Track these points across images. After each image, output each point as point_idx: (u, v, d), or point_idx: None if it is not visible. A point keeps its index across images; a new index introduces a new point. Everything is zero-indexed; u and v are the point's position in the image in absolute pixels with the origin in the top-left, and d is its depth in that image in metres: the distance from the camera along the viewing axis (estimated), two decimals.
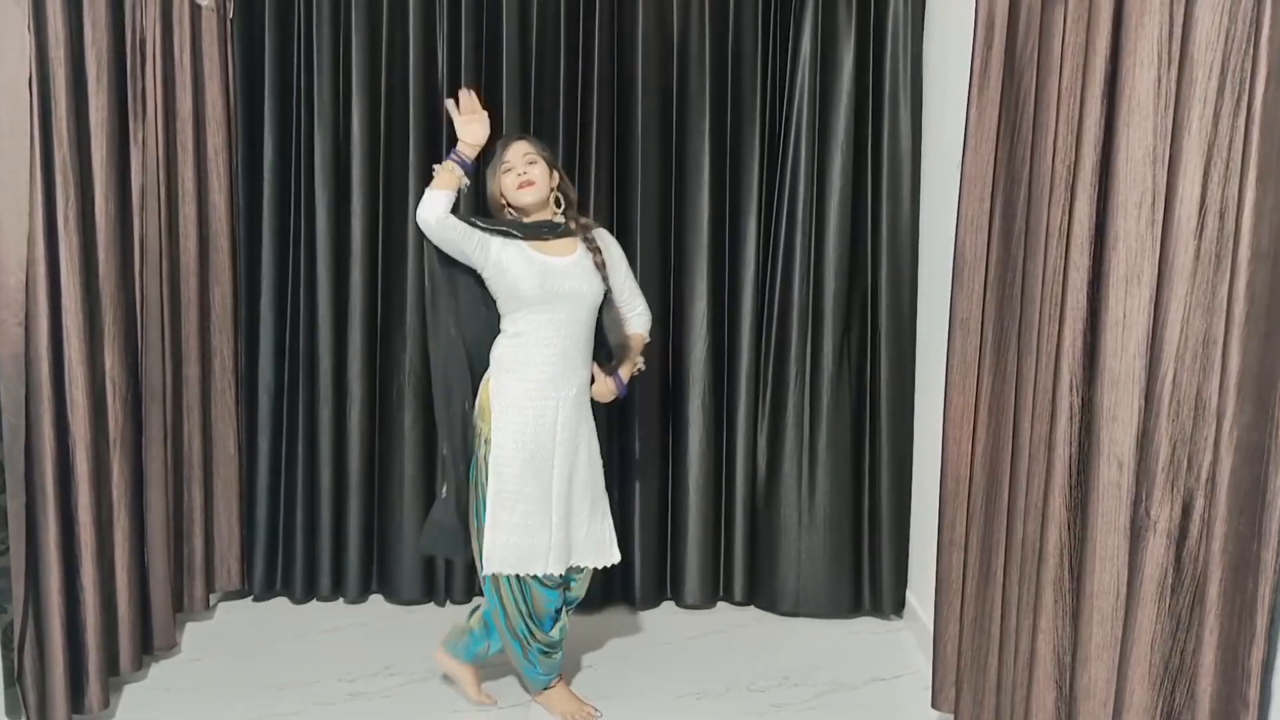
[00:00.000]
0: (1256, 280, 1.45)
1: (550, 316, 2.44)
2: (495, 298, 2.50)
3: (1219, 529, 1.49)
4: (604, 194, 3.12)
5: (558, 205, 2.53)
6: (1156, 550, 1.62)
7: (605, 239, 2.60)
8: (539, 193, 2.47)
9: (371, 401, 3.22)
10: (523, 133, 2.69)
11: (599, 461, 2.57)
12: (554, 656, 2.62)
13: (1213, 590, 1.51)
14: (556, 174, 2.54)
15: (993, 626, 2.21)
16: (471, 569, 3.21)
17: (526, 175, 2.45)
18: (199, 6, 2.88)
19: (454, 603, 3.28)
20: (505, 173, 2.48)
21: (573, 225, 2.54)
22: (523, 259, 2.43)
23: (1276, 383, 1.45)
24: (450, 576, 3.27)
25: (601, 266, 2.51)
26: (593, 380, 2.56)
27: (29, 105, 2.28)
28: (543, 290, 2.42)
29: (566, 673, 2.83)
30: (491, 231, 2.44)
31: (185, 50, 2.82)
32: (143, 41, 2.67)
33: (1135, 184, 1.68)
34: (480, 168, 2.53)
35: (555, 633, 2.60)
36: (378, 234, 3.17)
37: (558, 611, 2.59)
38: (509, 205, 2.52)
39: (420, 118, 3.09)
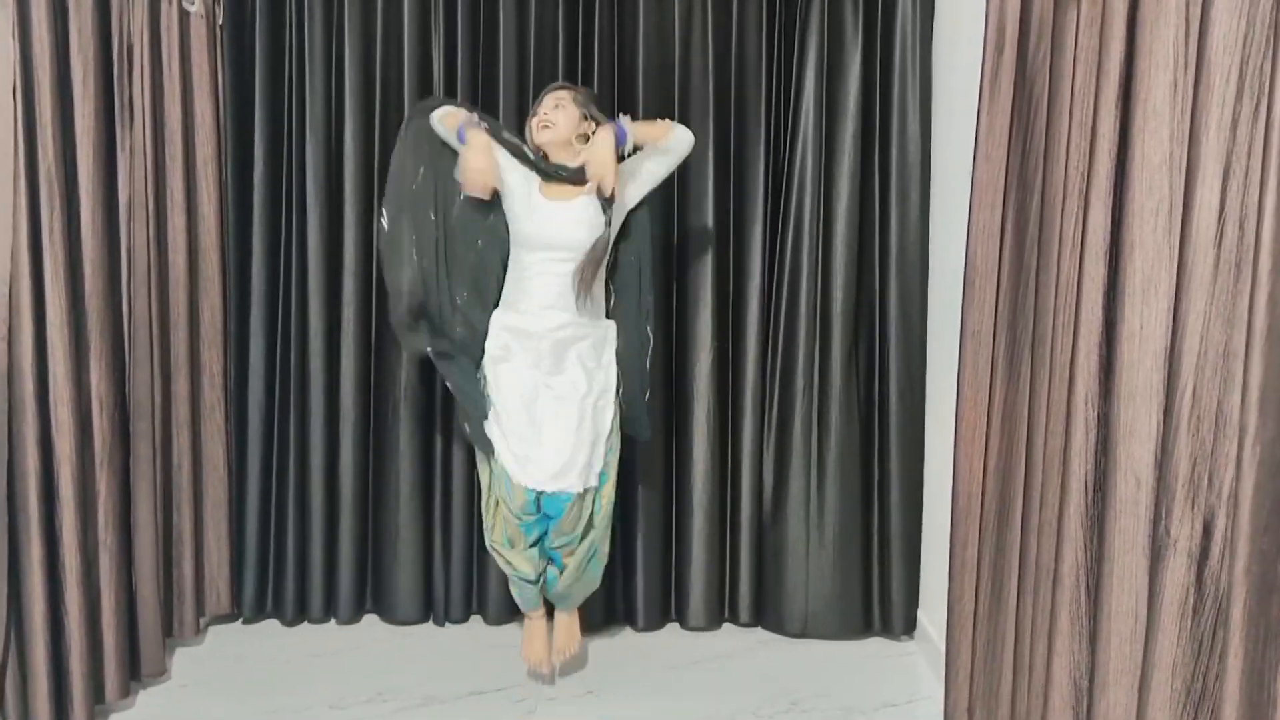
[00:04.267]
0: (1278, 291, 1.44)
1: (543, 255, 2.59)
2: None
3: (1242, 548, 1.48)
4: None
5: (584, 142, 2.65)
6: (1177, 570, 1.61)
7: (628, 170, 2.63)
8: (556, 133, 2.61)
9: (365, 418, 3.21)
10: (567, 83, 2.80)
11: (597, 405, 2.65)
12: (524, 591, 2.80)
13: (1237, 613, 1.49)
14: (591, 122, 2.65)
15: (1006, 651, 2.20)
16: (467, 584, 3.28)
17: (547, 118, 2.60)
18: (187, 12, 2.88)
19: (452, 622, 3.26)
20: (533, 117, 2.65)
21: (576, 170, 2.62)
22: (524, 203, 2.59)
23: None
24: (449, 594, 3.25)
25: (608, 203, 2.56)
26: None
27: (13, 114, 2.28)
28: (534, 234, 2.59)
29: (567, 688, 2.83)
30: (508, 148, 2.61)
31: (174, 57, 2.83)
32: (130, 48, 2.67)
33: (1151, 191, 1.68)
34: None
35: (525, 568, 2.73)
36: (372, 247, 3.16)
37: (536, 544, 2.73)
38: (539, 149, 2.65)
39: None
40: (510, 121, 3.08)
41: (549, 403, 2.63)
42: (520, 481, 2.61)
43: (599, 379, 2.67)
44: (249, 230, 3.16)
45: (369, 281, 3.17)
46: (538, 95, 2.75)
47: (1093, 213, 1.81)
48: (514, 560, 2.73)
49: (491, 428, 2.64)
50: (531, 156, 2.65)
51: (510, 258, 2.67)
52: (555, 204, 2.58)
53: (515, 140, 2.67)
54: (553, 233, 2.57)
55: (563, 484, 2.61)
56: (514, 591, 2.84)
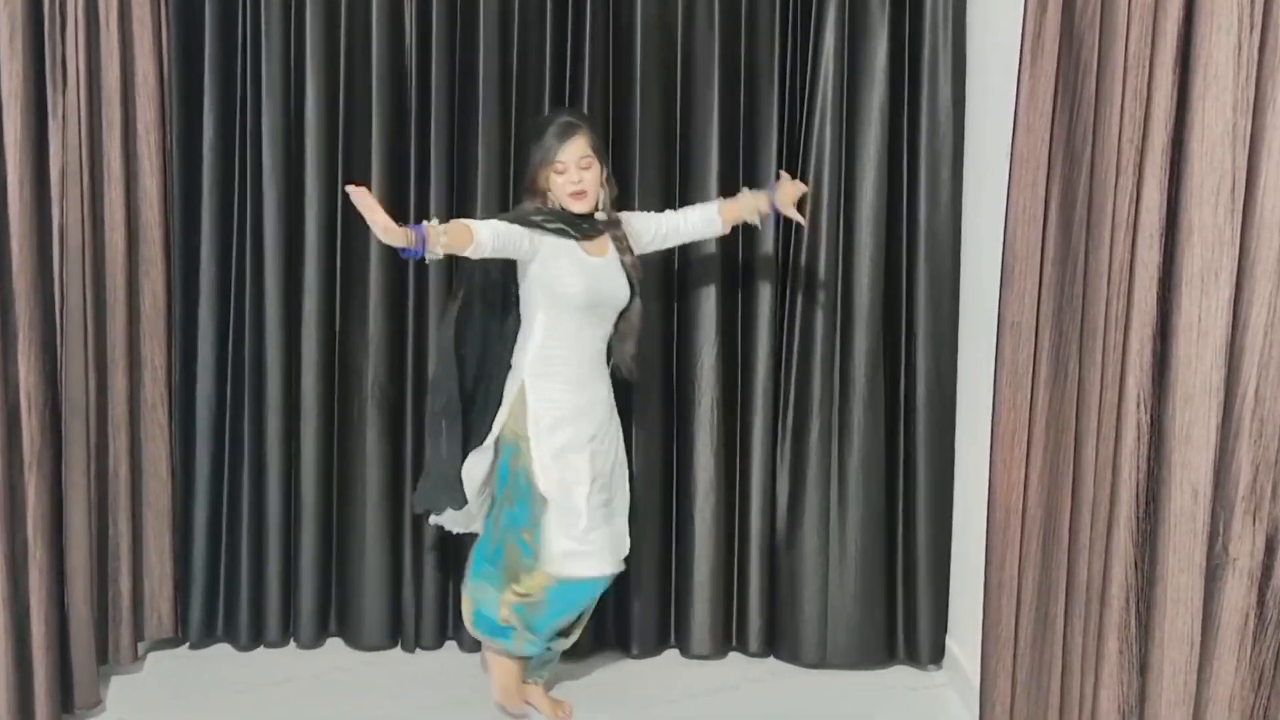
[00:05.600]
0: None
1: (590, 317, 2.73)
2: (526, 297, 2.75)
3: None
4: None
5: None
6: (1236, 591, 1.62)
7: (630, 224, 2.85)
8: (591, 202, 2.72)
9: (328, 418, 3.21)
10: (579, 121, 2.76)
11: (624, 463, 2.90)
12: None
13: None
14: (604, 169, 2.76)
15: (1049, 680, 2.21)
16: (441, 605, 3.27)
17: (581, 184, 2.68)
18: None
19: (423, 648, 3.27)
20: (558, 173, 2.68)
21: (606, 219, 2.78)
22: (572, 261, 2.69)
23: None
24: (420, 617, 3.26)
25: (634, 268, 2.78)
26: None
27: None
28: (588, 293, 2.69)
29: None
30: (546, 230, 2.67)
31: (111, 12, 2.82)
32: (63, 2, 2.67)
33: (1212, 167, 1.69)
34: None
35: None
36: (335, 225, 3.17)
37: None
38: (551, 198, 2.72)
39: (384, 91, 3.09)
40: (490, 89, 3.08)
41: (608, 477, 2.79)
42: (600, 574, 2.72)
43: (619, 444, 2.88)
44: (197, 206, 3.16)
45: (332, 265, 3.17)
46: (558, 133, 2.69)
47: (1147, 191, 1.82)
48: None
49: (552, 523, 2.70)
50: (551, 221, 2.70)
51: (546, 323, 2.73)
52: (598, 260, 2.74)
53: (536, 217, 2.69)
54: (607, 289, 2.73)
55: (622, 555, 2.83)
56: (521, 649, 2.86)
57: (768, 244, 3.18)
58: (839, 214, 3.11)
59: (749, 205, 2.87)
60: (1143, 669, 1.84)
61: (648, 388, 3.16)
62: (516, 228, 2.62)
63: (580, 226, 2.71)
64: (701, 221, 2.89)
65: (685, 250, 3.17)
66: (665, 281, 3.17)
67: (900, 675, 3.22)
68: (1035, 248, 2.25)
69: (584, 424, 2.73)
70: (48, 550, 2.62)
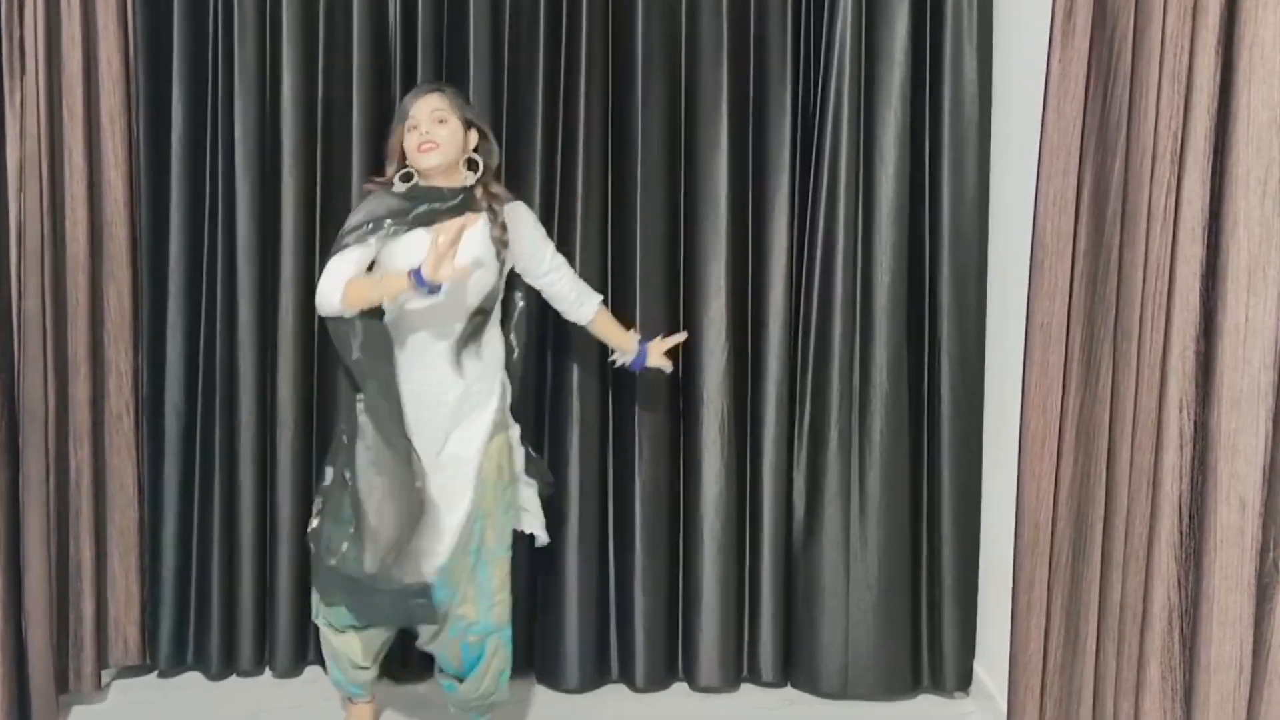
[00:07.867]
0: None
1: (431, 306, 2.56)
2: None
3: None
4: (596, 164, 3.12)
5: (472, 168, 2.66)
6: None
7: (517, 215, 2.73)
8: (443, 156, 2.60)
9: (306, 429, 3.21)
10: (437, 84, 2.76)
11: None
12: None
13: None
14: (474, 133, 2.68)
15: (1079, 707, 2.21)
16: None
17: (429, 136, 2.58)
18: None
19: (407, 678, 3.26)
20: (409, 130, 2.61)
21: (478, 194, 2.65)
22: (404, 250, 2.56)
23: None
24: (404, 642, 3.25)
25: (502, 245, 2.65)
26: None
27: None
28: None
29: None
30: (370, 234, 2.56)
31: None
32: None
33: (1259, 154, 1.68)
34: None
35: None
36: (314, 221, 3.17)
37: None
38: (409, 165, 2.64)
39: (366, 79, 3.10)
40: (482, 68, 3.09)
41: (440, 482, 2.67)
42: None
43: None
44: (165, 200, 3.16)
45: (310, 264, 3.16)
46: (404, 99, 2.69)
47: (1188, 181, 1.82)
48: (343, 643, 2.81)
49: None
50: (401, 196, 2.61)
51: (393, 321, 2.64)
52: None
53: (395, 198, 2.61)
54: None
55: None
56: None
57: (780, 237, 3.18)
58: (856, 206, 3.11)
59: (619, 337, 2.88)
60: (1188, 696, 1.83)
61: (652, 395, 3.16)
62: (358, 252, 2.54)
63: (416, 214, 2.57)
64: (574, 305, 2.82)
65: (691, 244, 3.17)
66: (670, 280, 3.17)
67: (925, 704, 3.22)
68: (1066, 242, 2.24)
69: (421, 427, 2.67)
70: (3, 571, 2.62)
